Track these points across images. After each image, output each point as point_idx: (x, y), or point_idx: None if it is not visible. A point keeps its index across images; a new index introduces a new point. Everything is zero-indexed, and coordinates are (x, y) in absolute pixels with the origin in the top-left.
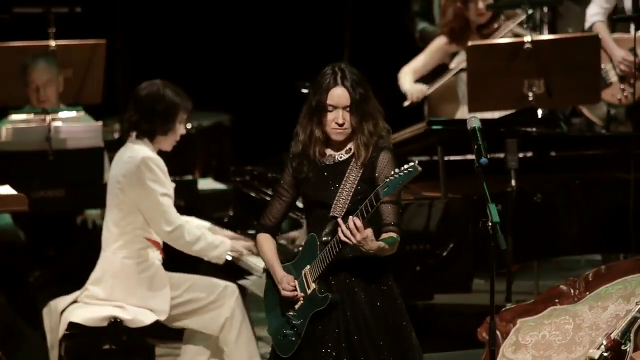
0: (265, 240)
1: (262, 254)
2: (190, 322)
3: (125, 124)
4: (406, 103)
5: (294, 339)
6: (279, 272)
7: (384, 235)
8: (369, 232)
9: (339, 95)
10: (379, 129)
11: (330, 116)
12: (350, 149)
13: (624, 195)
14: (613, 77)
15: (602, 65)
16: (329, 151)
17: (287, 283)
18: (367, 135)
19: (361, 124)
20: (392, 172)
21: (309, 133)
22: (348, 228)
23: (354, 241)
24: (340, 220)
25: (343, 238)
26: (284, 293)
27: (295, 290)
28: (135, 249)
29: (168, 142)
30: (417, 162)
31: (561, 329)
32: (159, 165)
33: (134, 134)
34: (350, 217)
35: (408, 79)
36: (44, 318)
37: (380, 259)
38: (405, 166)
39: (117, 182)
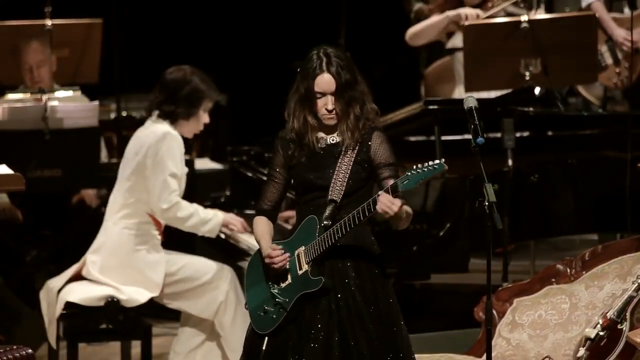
0: (261, 222)
1: (255, 234)
2: (186, 305)
3: (148, 105)
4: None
5: (274, 316)
6: (266, 244)
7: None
8: (399, 201)
9: (325, 81)
10: (366, 111)
11: (319, 103)
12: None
13: (620, 175)
14: (608, 59)
15: (597, 47)
16: (320, 134)
17: (272, 250)
18: (353, 120)
19: (347, 109)
20: (416, 166)
21: (303, 120)
22: (384, 202)
23: (392, 212)
24: (379, 196)
25: (382, 210)
26: (270, 260)
27: (283, 257)
28: (136, 222)
29: (190, 129)
30: (444, 160)
31: (557, 308)
32: (179, 144)
33: (155, 113)
34: (380, 192)
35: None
36: (41, 298)
37: (373, 245)
38: (431, 162)
39: (135, 154)
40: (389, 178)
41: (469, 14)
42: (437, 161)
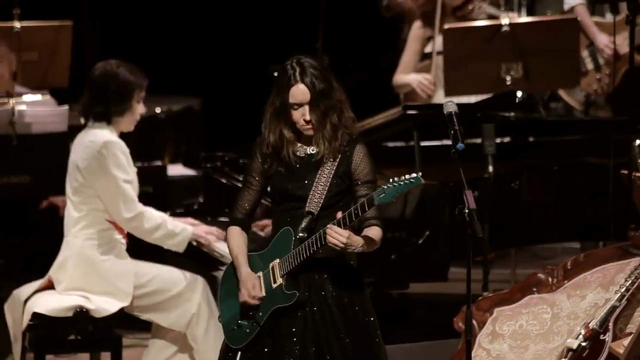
0: (234, 234)
1: (230, 249)
2: (157, 317)
3: (80, 108)
4: (424, 95)
5: (248, 330)
6: (244, 270)
7: (367, 231)
8: (347, 232)
9: (300, 92)
10: (343, 119)
11: (296, 115)
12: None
13: (603, 182)
14: (589, 64)
15: (580, 51)
16: (299, 144)
17: (251, 287)
18: (330, 129)
19: (323, 119)
20: (392, 180)
21: (279, 134)
22: (332, 235)
23: (341, 245)
24: (328, 230)
25: (331, 243)
26: (242, 298)
27: (259, 299)
28: (97, 231)
29: (127, 123)
30: (420, 174)
31: (539, 318)
32: (122, 150)
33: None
34: (330, 224)
35: (405, 76)
36: (6, 309)
37: (350, 256)
38: (408, 176)
39: (77, 167)
40: (366, 197)
41: (423, 88)
42: (414, 175)
